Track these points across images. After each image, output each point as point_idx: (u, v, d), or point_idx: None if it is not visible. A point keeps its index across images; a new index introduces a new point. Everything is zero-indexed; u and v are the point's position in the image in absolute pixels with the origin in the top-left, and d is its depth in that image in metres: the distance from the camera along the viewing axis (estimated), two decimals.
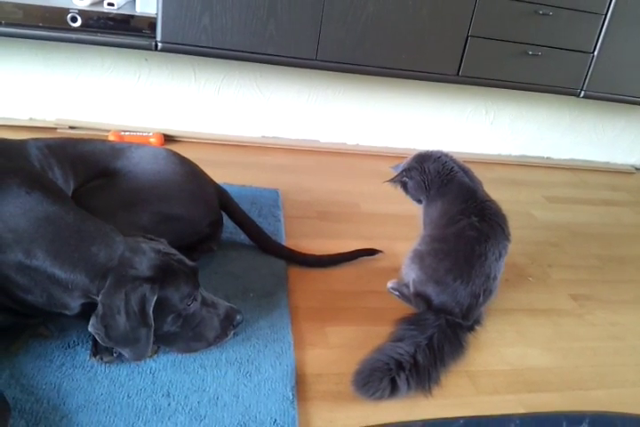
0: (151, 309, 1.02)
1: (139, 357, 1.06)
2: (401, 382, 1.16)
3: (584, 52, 2.16)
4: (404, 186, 1.48)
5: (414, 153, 1.51)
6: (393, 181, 1.49)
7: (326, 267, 1.56)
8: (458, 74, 2.10)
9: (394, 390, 1.15)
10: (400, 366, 1.18)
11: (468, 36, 2.03)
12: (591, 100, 2.43)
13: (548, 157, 2.73)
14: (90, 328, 1.01)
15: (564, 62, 2.17)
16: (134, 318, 1.00)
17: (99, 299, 0.99)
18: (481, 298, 1.36)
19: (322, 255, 1.57)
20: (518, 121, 2.61)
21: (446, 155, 1.49)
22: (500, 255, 1.37)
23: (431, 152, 1.49)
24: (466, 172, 1.47)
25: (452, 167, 1.45)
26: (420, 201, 1.48)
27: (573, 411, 1.17)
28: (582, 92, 2.25)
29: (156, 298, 1.02)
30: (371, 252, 1.62)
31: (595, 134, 2.72)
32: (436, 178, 1.43)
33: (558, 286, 1.68)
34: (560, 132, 2.68)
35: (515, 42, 2.08)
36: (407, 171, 1.47)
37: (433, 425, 1.08)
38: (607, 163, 2.81)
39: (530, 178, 2.53)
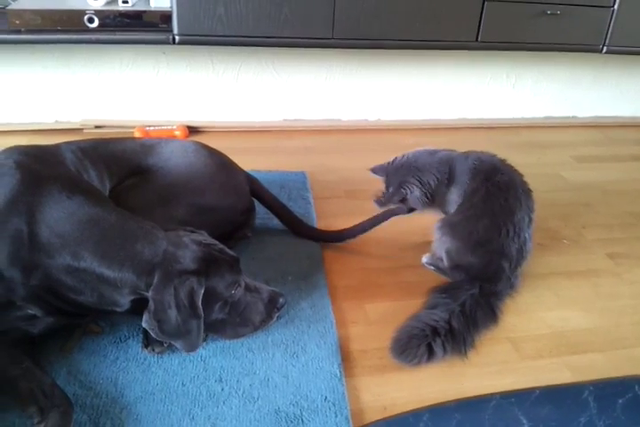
0: (200, 300, 1.06)
1: (191, 347, 1.10)
2: (437, 347, 1.20)
3: (604, 6, 2.11)
4: (404, 200, 1.47)
5: (399, 160, 1.48)
6: (391, 202, 1.48)
7: (359, 236, 1.56)
8: (477, 40, 2.07)
9: (431, 355, 1.19)
10: (435, 331, 1.22)
11: (484, 1, 2.00)
12: (613, 56, 2.37)
13: (573, 116, 2.68)
14: (144, 324, 1.05)
15: (584, 19, 2.12)
16: (185, 311, 1.04)
17: (149, 295, 1.03)
18: (527, 244, 1.37)
19: (352, 227, 1.56)
20: (541, 82, 2.56)
21: (430, 152, 1.47)
22: (530, 190, 1.39)
23: (416, 159, 1.46)
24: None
25: (444, 157, 1.44)
26: (413, 209, 1.49)
27: None
28: (604, 48, 2.20)
29: (204, 289, 1.06)
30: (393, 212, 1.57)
31: (618, 89, 2.66)
32: (438, 185, 1.42)
33: (594, 247, 1.68)
34: (584, 90, 2.63)
35: (532, 2, 2.04)
36: (405, 186, 1.44)
37: (509, 397, 1.11)
38: (633, 117, 2.75)
39: (556, 139, 2.49)
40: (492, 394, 1.12)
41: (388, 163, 1.49)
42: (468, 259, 1.39)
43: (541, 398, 1.12)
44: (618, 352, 1.28)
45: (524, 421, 1.07)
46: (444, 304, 1.31)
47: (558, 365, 1.23)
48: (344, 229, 1.58)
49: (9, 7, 1.81)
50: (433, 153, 1.47)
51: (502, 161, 1.43)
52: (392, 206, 1.50)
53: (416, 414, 1.06)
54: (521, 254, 1.38)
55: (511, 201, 1.35)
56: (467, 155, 1.45)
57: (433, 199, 1.44)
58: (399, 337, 1.21)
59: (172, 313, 1.04)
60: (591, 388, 1.14)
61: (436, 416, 1.06)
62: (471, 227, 1.37)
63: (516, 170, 1.42)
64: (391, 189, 1.46)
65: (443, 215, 1.48)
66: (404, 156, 1.48)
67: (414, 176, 1.43)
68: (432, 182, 1.42)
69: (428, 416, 1.06)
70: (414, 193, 1.43)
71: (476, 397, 1.12)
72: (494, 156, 1.45)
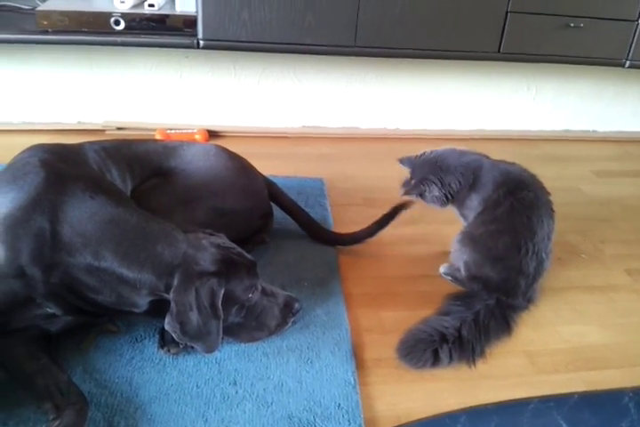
0: (220, 301, 1.06)
1: (211, 349, 1.10)
2: (443, 353, 1.20)
3: (628, 20, 2.09)
4: (422, 196, 1.46)
5: (426, 155, 1.46)
6: (409, 194, 1.47)
7: (375, 234, 1.54)
8: (499, 51, 2.07)
9: (436, 361, 1.19)
10: (444, 338, 1.22)
11: (507, 12, 1.99)
12: (636, 70, 2.35)
13: (593, 131, 2.66)
14: (166, 326, 1.05)
15: (608, 32, 2.11)
16: (206, 312, 1.05)
17: (171, 297, 1.03)
18: (545, 263, 1.37)
19: (366, 227, 1.55)
20: (561, 95, 2.55)
21: (459, 153, 1.46)
22: (554, 210, 1.39)
23: (443, 159, 1.44)
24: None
25: (472, 163, 1.43)
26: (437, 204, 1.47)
27: None
28: (627, 62, 2.18)
29: (223, 290, 1.06)
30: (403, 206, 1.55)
31: None
32: (460, 188, 1.42)
33: (612, 262, 1.67)
34: (605, 105, 2.61)
35: (555, 15, 2.03)
36: (425, 183, 1.43)
37: (547, 402, 1.11)
38: None
39: (575, 153, 2.48)
40: (530, 398, 1.11)
41: (417, 156, 1.48)
42: (486, 272, 1.38)
43: (580, 403, 1.11)
44: (635, 369, 1.27)
45: (564, 425, 1.06)
46: (456, 312, 1.31)
47: (574, 380, 1.22)
48: (360, 230, 1.56)
49: (37, 8, 1.84)
50: (462, 154, 1.46)
51: (532, 177, 1.42)
52: (411, 196, 1.49)
53: (453, 416, 1.06)
54: (538, 272, 1.38)
55: (534, 220, 1.35)
56: (496, 164, 1.44)
57: (453, 199, 1.44)
58: (406, 339, 1.22)
59: (194, 315, 1.04)
60: (631, 394, 1.14)
61: (473, 418, 1.05)
62: (492, 242, 1.37)
63: (544, 187, 1.41)
64: (413, 182, 1.46)
65: (460, 215, 1.48)
66: (432, 152, 1.47)
67: (436, 175, 1.42)
68: (454, 185, 1.41)
69: (465, 418, 1.05)
70: (433, 192, 1.42)
71: (514, 400, 1.11)
72: (525, 170, 1.43)
